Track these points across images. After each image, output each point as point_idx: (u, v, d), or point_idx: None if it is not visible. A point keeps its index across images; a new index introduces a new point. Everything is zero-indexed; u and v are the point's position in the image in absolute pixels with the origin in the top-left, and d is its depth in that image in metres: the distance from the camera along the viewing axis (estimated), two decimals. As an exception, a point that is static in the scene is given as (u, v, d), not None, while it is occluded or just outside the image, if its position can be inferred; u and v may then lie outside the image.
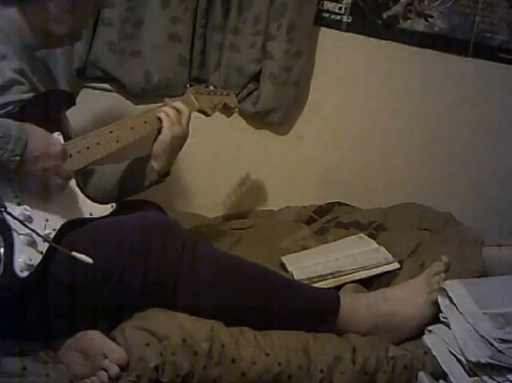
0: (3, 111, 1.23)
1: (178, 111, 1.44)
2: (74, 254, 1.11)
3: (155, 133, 1.43)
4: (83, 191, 1.28)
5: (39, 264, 1.12)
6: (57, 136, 1.27)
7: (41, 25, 1.33)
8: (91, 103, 1.91)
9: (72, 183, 1.26)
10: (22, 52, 1.32)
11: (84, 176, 1.48)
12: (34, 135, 1.14)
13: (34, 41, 1.35)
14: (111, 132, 1.35)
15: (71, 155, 1.26)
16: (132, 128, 1.38)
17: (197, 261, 1.23)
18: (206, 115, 1.60)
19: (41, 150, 1.14)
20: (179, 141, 1.44)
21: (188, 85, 1.59)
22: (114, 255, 1.18)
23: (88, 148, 1.29)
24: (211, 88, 1.66)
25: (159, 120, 1.42)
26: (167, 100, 1.47)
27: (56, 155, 1.17)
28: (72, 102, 1.39)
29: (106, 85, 1.96)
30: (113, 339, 1.16)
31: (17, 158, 1.10)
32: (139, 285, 1.18)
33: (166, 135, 1.41)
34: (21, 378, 1.10)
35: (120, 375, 1.10)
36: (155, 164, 1.44)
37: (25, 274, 1.10)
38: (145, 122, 1.41)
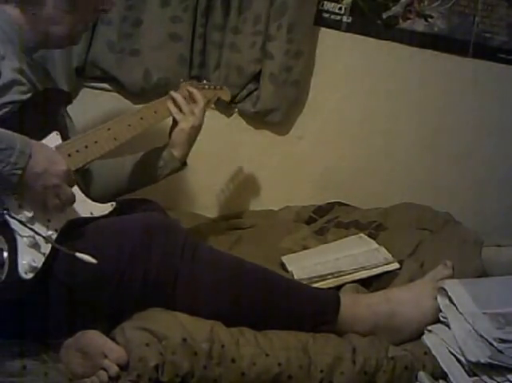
0: (3, 111, 1.22)
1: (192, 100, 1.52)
2: (78, 254, 1.11)
3: (157, 125, 1.48)
4: (83, 191, 1.28)
5: (43, 265, 1.12)
6: (55, 135, 1.27)
7: (40, 26, 1.33)
8: (90, 102, 1.91)
9: None
10: (21, 52, 1.32)
11: (94, 170, 1.51)
12: (38, 151, 1.13)
13: (33, 41, 1.34)
14: (108, 129, 1.35)
15: (69, 155, 1.26)
16: (129, 125, 1.40)
17: (197, 261, 1.22)
18: None
19: (43, 167, 1.12)
20: (196, 131, 1.52)
21: (181, 80, 1.59)
22: (115, 256, 1.18)
23: (86, 146, 1.29)
24: (204, 82, 1.67)
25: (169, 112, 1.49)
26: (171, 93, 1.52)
27: (58, 174, 1.15)
28: (68, 100, 1.39)
29: (105, 85, 1.96)
30: (113, 339, 1.15)
31: (20, 171, 1.09)
32: (140, 285, 1.18)
33: (183, 125, 1.50)
34: (21, 377, 1.10)
35: (120, 375, 1.10)
36: (175, 153, 1.51)
37: (30, 275, 1.10)
38: (141, 118, 1.43)
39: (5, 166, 1.08)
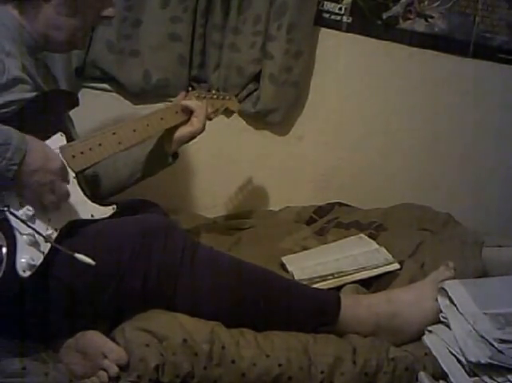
0: (6, 109, 1.22)
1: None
2: (76, 255, 1.10)
3: (159, 135, 1.48)
4: (84, 192, 1.27)
5: (41, 264, 1.12)
6: (60, 136, 1.27)
7: (41, 29, 1.32)
8: (90, 103, 1.90)
9: (74, 183, 1.25)
10: (25, 51, 1.32)
11: (101, 170, 1.51)
12: (34, 147, 1.13)
13: (35, 42, 1.34)
14: (114, 133, 1.35)
15: (74, 156, 1.25)
16: (135, 130, 1.39)
17: (197, 263, 1.22)
18: (209, 119, 1.61)
19: (38, 163, 1.12)
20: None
21: (190, 89, 1.59)
22: (115, 258, 1.18)
23: (90, 149, 1.29)
24: (213, 92, 1.67)
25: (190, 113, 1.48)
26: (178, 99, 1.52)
27: (53, 170, 1.15)
28: (75, 102, 1.38)
29: (105, 85, 1.96)
30: (113, 339, 1.15)
31: (15, 167, 1.09)
32: (140, 287, 1.18)
33: (198, 129, 1.50)
34: (21, 378, 1.10)
35: (120, 375, 1.10)
36: (168, 148, 1.51)
37: (27, 273, 1.10)
38: (147, 125, 1.42)
39: (1, 161, 1.07)
